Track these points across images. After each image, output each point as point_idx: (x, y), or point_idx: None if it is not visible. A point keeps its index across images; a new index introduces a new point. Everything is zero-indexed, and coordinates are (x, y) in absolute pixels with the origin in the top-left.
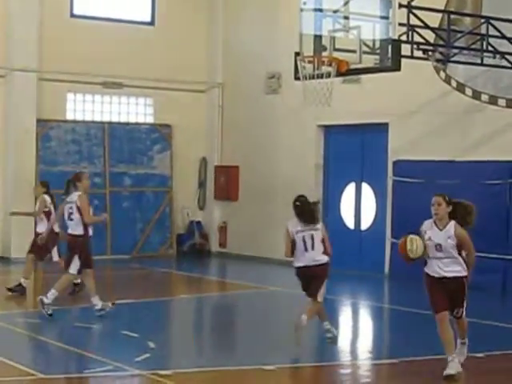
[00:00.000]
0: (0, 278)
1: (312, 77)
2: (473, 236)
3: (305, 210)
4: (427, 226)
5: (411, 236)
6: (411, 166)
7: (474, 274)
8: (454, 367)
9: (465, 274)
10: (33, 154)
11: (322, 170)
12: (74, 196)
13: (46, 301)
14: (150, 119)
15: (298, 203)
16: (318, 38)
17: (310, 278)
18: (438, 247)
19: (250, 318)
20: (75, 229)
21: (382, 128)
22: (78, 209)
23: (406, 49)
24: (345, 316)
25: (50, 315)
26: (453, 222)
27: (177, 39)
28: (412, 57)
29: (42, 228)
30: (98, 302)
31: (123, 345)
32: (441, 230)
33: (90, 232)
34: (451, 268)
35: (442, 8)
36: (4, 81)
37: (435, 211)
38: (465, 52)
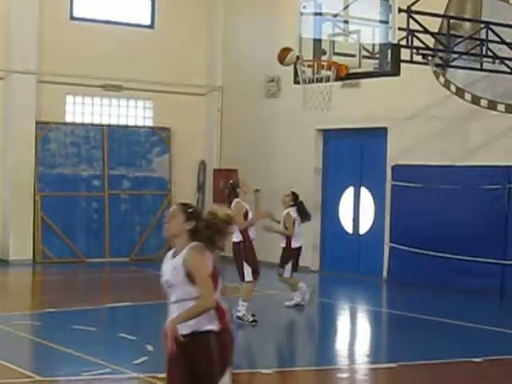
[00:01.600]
0: None
1: (311, 81)
2: (471, 240)
3: None
4: (169, 256)
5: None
6: (410, 170)
7: (471, 278)
8: None
9: (211, 327)
10: (32, 157)
11: (321, 174)
12: (234, 204)
13: (240, 314)
14: (149, 122)
15: None
16: (317, 42)
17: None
18: (168, 286)
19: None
20: (236, 236)
21: (380, 132)
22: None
23: (405, 53)
24: (343, 320)
25: (254, 321)
26: (191, 245)
27: (176, 42)
28: (411, 61)
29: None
30: (242, 309)
31: (121, 348)
32: (174, 258)
33: (252, 235)
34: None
35: (442, 13)
36: (3, 83)
37: (166, 225)
38: (464, 57)
